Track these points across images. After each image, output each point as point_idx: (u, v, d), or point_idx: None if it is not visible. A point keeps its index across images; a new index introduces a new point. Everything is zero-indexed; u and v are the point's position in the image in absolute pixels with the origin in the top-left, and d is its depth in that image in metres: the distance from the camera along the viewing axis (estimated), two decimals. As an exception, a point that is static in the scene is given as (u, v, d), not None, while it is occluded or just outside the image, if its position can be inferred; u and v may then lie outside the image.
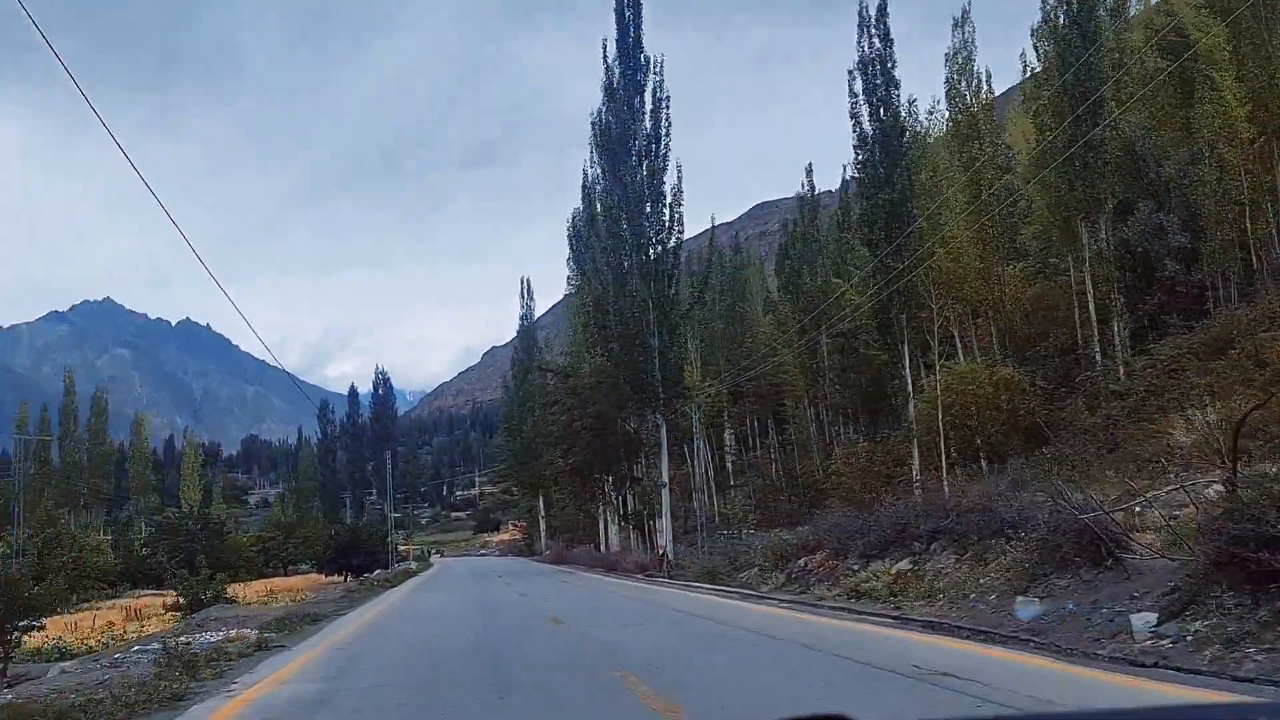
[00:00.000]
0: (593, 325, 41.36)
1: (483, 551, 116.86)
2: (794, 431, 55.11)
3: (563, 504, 64.88)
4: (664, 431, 38.37)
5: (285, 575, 79.55)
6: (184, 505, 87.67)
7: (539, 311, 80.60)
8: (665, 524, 37.52)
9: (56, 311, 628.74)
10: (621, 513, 46.13)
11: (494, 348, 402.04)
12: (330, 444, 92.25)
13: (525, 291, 77.22)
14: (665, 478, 38.18)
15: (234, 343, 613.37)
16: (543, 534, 76.85)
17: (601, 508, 49.72)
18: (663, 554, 35.50)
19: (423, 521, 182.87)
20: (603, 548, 51.31)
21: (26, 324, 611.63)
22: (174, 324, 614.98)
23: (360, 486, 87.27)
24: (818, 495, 47.05)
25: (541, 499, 76.02)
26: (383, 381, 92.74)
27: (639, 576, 34.98)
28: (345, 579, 64.38)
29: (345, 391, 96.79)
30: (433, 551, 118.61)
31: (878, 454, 43.72)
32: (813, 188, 58.16)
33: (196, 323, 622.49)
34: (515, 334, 77.66)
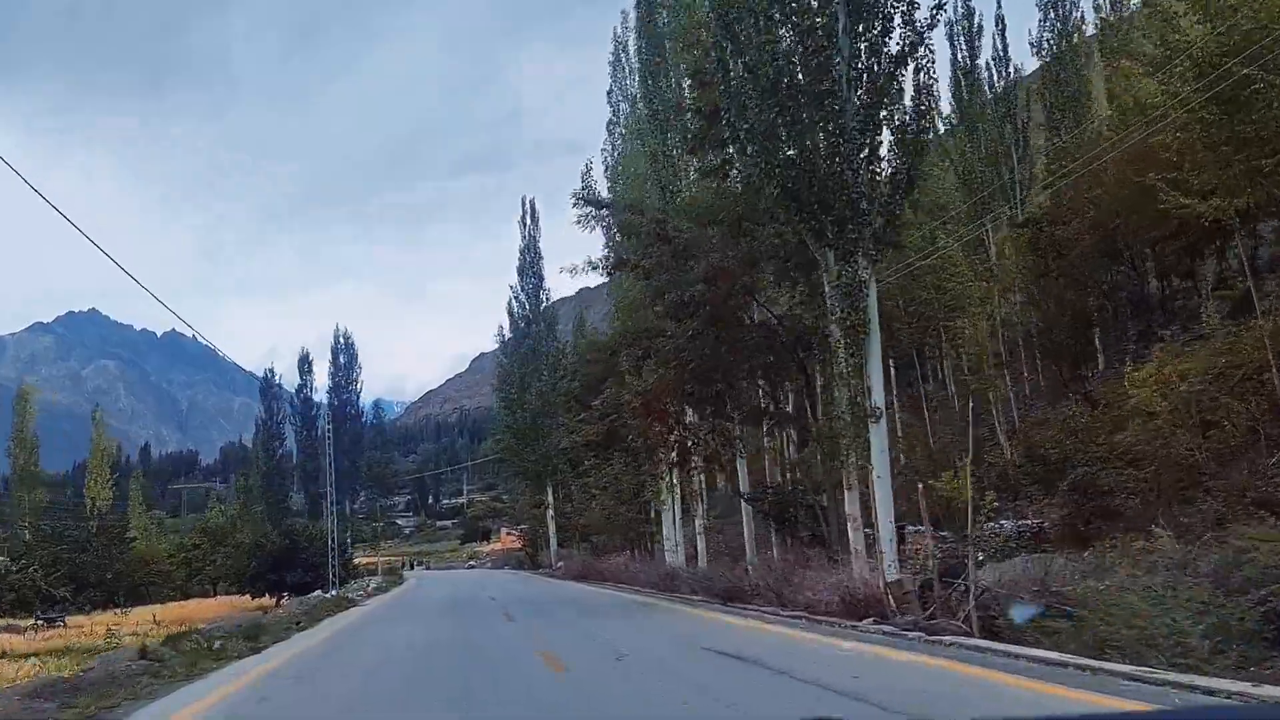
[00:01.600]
0: (699, 88, 19.22)
1: (471, 564, 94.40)
2: (962, 372, 33.61)
3: (589, 492, 42.85)
4: (873, 295, 16.63)
5: (214, 594, 57.14)
6: (91, 508, 65.18)
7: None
8: (883, 506, 15.80)
9: (41, 323, 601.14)
10: (736, 490, 23.81)
11: (482, 354, 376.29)
12: (276, 428, 69.12)
13: (528, 215, 55.56)
14: (879, 399, 16.39)
15: (220, 352, 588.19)
16: (551, 539, 54.69)
17: (670, 486, 27.58)
18: (921, 581, 13.70)
19: (406, 531, 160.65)
20: (671, 556, 29.32)
21: (11, 335, 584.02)
22: (159, 335, 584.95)
23: (312, 480, 65.01)
24: (1056, 467, 25.69)
25: (550, 491, 53.94)
26: (344, 348, 69.84)
27: (865, 627, 13.28)
28: (278, 602, 43.10)
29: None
30: (414, 563, 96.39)
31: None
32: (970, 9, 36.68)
33: (182, 334, 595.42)
34: (514, 280, 55.73)
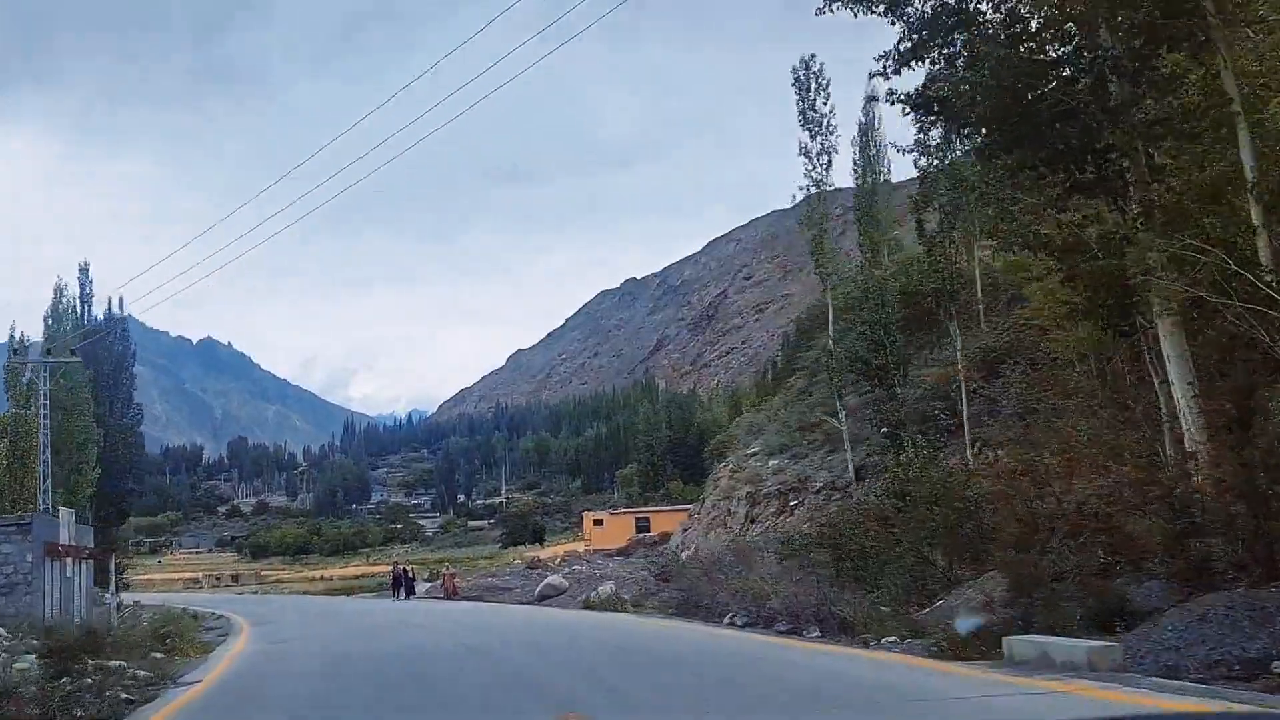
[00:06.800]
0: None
1: (551, 579, 33.03)
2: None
3: None
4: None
5: None
6: None
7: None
8: None
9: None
10: None
11: (519, 350, 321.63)
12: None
13: None
14: None
15: (255, 361, 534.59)
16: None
17: None
18: None
19: (429, 533, 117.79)
20: None
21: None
22: (195, 342, 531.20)
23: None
24: None
25: None
26: None
27: None
28: None
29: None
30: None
31: None
32: None
33: (218, 341, 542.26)
34: None
